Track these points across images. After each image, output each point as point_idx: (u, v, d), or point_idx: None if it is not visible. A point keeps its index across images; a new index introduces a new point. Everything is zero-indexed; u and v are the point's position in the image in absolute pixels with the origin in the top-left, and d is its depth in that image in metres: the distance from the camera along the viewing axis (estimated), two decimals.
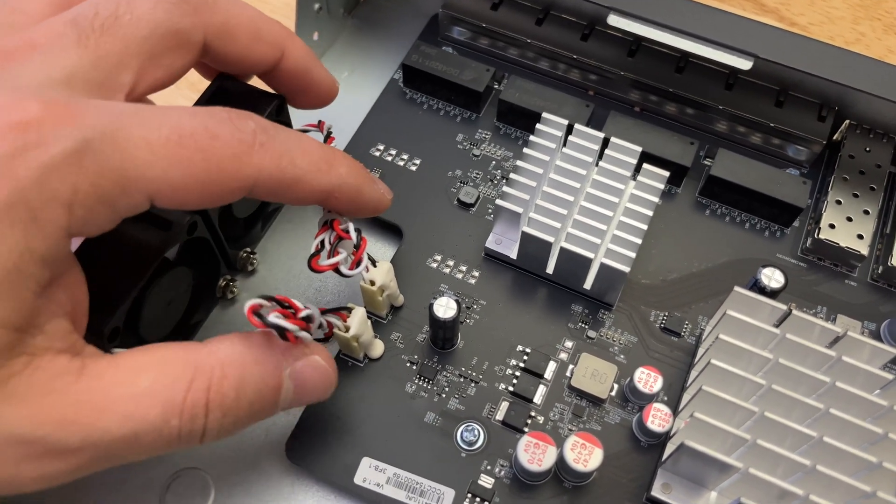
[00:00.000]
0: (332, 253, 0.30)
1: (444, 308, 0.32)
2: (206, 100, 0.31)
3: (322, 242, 0.31)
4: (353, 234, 0.30)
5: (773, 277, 0.33)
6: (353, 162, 0.28)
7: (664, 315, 0.35)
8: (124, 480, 0.32)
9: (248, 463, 0.33)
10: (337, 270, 0.30)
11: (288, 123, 0.34)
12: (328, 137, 0.36)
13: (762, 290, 0.33)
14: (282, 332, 0.25)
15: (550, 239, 0.33)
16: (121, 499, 0.32)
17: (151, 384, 0.22)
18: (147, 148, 0.21)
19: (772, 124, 0.38)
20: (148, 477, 0.32)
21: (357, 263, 0.30)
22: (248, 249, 0.37)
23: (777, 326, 0.31)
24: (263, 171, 0.24)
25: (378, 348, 0.34)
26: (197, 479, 0.32)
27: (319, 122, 0.37)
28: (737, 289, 0.31)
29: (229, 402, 0.23)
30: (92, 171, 0.20)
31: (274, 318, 0.24)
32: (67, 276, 0.22)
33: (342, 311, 0.31)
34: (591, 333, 0.35)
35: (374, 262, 0.32)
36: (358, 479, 0.31)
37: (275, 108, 0.32)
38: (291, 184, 0.25)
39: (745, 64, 0.37)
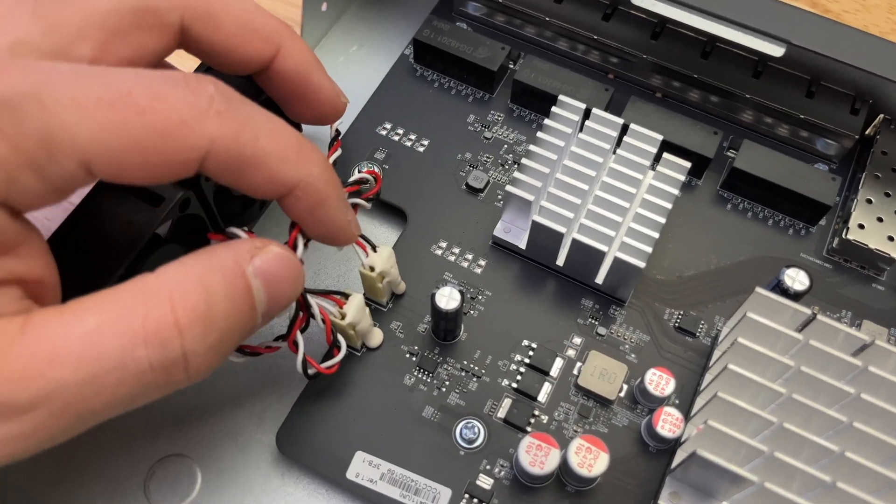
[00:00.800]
0: None
1: (447, 299, 0.30)
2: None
3: None
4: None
5: (796, 279, 0.31)
6: (329, 168, 0.25)
7: (679, 314, 0.33)
8: (105, 466, 0.31)
9: (238, 452, 0.31)
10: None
11: None
12: (335, 141, 0.34)
13: (785, 292, 0.31)
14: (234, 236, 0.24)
15: (562, 229, 0.31)
16: (102, 486, 0.30)
17: (101, 319, 0.19)
18: (76, 108, 0.19)
19: (801, 116, 0.36)
20: (131, 462, 0.31)
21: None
22: (245, 228, 0.35)
23: (799, 331, 0.30)
24: (217, 142, 0.21)
25: (376, 337, 0.32)
26: (183, 467, 0.31)
27: None
28: (758, 290, 0.30)
29: (201, 314, 0.21)
30: (11, 133, 0.19)
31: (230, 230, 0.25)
32: (19, 246, 0.20)
33: (338, 296, 0.30)
34: (601, 330, 0.33)
35: (374, 247, 0.31)
36: (350, 474, 0.30)
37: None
38: (250, 165, 0.22)
39: (776, 50, 0.35)
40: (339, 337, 0.30)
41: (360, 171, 0.35)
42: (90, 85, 0.19)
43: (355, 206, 0.32)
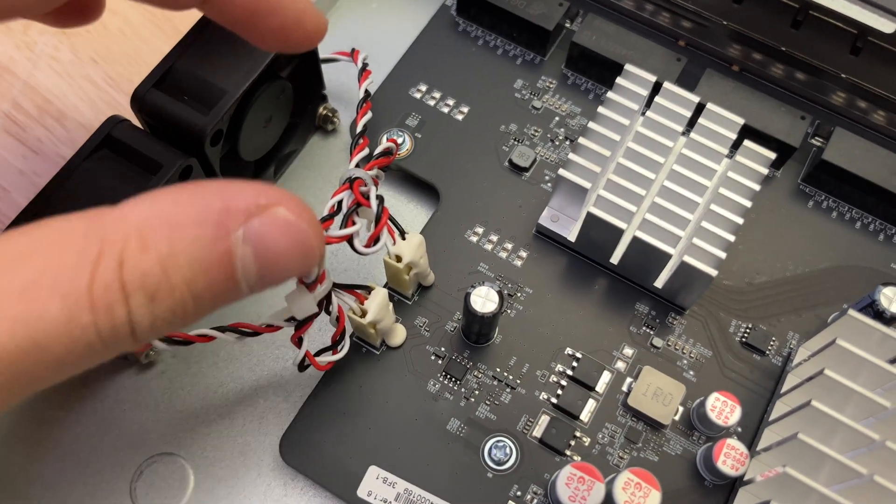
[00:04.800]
0: (347, 222, 0.25)
1: (484, 300, 0.26)
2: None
3: (339, 204, 0.25)
4: (374, 203, 0.25)
5: (895, 300, 0.27)
6: None
7: (746, 327, 0.29)
8: (89, 463, 0.27)
9: (236, 455, 0.28)
10: (350, 244, 0.25)
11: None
12: (364, 70, 0.30)
13: (879, 315, 0.27)
14: None
15: (622, 225, 0.27)
16: (87, 484, 0.27)
17: (41, 272, 0.16)
18: None
19: None
20: (118, 460, 0.27)
21: (374, 240, 0.25)
22: None
23: (894, 363, 0.25)
24: None
25: (399, 335, 0.28)
26: (174, 467, 0.28)
27: (353, 50, 0.31)
28: (851, 312, 0.25)
29: (154, 281, 0.17)
30: None
31: None
32: None
33: (360, 290, 0.26)
34: (657, 341, 0.29)
35: (402, 234, 0.26)
36: (362, 492, 0.26)
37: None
38: None
39: (886, 25, 0.29)
40: (346, 339, 0.26)
41: (387, 140, 0.31)
42: None
43: (375, 180, 0.27)
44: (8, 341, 0.15)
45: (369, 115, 0.29)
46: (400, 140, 0.32)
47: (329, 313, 0.25)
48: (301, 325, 0.25)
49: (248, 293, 0.18)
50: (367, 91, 0.29)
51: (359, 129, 0.28)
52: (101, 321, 0.16)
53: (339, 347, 0.26)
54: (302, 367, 0.26)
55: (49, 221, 0.17)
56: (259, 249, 0.18)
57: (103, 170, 0.25)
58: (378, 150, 0.28)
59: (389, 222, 0.26)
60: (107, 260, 0.16)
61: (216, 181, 0.18)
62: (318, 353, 0.26)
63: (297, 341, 0.25)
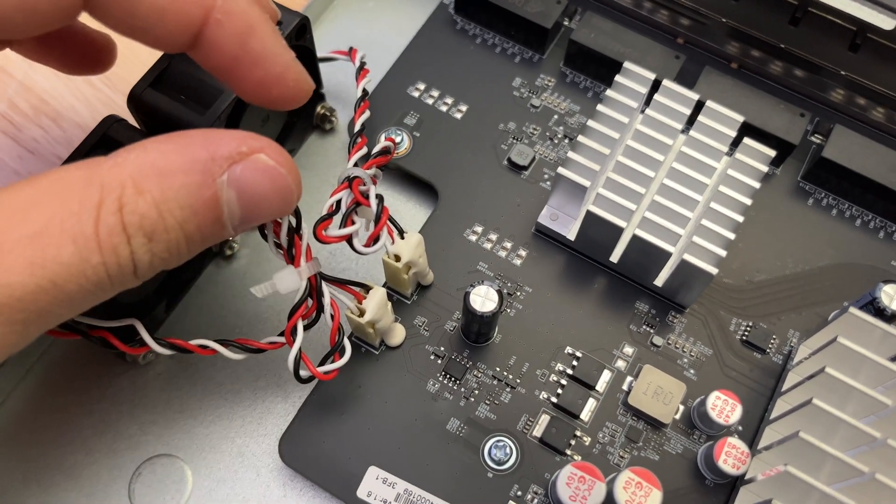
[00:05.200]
0: (346, 221, 0.24)
1: (483, 299, 0.26)
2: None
3: (337, 204, 0.25)
4: (374, 202, 0.24)
5: (895, 297, 0.26)
6: None
7: (747, 325, 0.29)
8: (87, 465, 0.27)
9: (235, 456, 0.28)
10: (350, 244, 0.25)
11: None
12: (361, 69, 0.30)
13: (880, 312, 0.26)
14: None
15: (622, 223, 0.27)
16: (85, 486, 0.27)
17: (51, 217, 0.17)
18: None
19: None
20: (116, 462, 0.27)
21: (374, 240, 0.24)
22: None
23: (895, 361, 0.25)
24: None
25: (398, 335, 0.28)
26: (173, 468, 0.27)
27: (351, 48, 0.31)
28: (852, 310, 0.25)
29: (151, 223, 0.18)
30: None
31: None
32: None
33: (358, 288, 0.26)
34: (657, 340, 0.29)
35: (401, 233, 0.26)
36: (362, 493, 0.26)
37: None
38: None
39: (886, 22, 0.29)
40: (346, 342, 0.25)
41: (385, 139, 0.31)
42: None
43: (374, 179, 0.27)
44: (28, 281, 0.17)
45: (367, 113, 0.29)
46: (398, 139, 0.32)
47: (323, 310, 0.25)
48: (291, 313, 0.24)
49: (232, 233, 0.20)
50: (364, 90, 0.29)
51: (357, 127, 0.28)
52: (108, 261, 0.18)
53: (339, 351, 0.25)
54: (301, 378, 0.25)
55: (49, 172, 0.18)
56: (242, 193, 0.20)
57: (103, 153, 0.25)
58: (376, 149, 0.28)
59: (388, 222, 0.26)
60: (107, 204, 0.18)
61: (201, 130, 0.20)
62: (321, 364, 0.25)
63: (291, 336, 0.24)
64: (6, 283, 0.17)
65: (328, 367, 0.25)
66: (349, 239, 0.25)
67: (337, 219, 0.25)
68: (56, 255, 0.17)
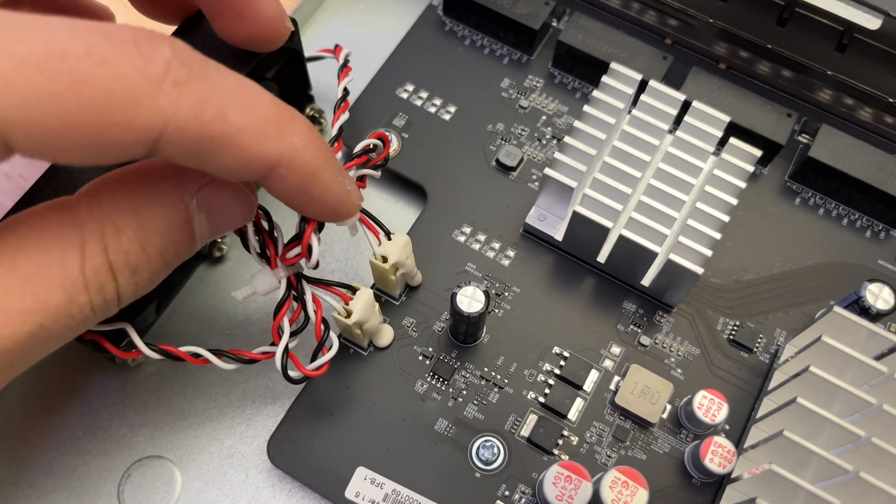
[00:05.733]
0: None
1: (470, 300, 0.26)
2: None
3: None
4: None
5: (880, 296, 0.27)
6: (315, 135, 0.20)
7: (734, 324, 0.29)
8: (77, 466, 0.27)
9: (224, 457, 0.28)
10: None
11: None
12: (344, 67, 0.30)
13: (865, 311, 0.27)
14: None
15: (608, 224, 0.27)
16: (74, 488, 0.27)
17: (37, 265, 0.18)
18: None
19: (890, 100, 0.31)
20: (105, 464, 0.27)
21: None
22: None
23: (880, 359, 0.25)
24: (175, 121, 0.17)
25: (386, 336, 0.28)
26: (162, 470, 0.28)
27: (336, 46, 0.31)
28: (837, 309, 0.25)
29: (135, 258, 0.20)
30: None
31: None
32: None
33: (344, 289, 0.26)
34: (644, 339, 0.29)
35: (388, 234, 0.26)
36: (350, 493, 0.26)
37: None
38: (217, 145, 0.18)
39: (871, 22, 0.30)
40: (333, 335, 0.25)
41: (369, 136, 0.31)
42: (17, 42, 0.15)
43: (363, 178, 0.27)
44: (19, 330, 0.18)
45: (346, 115, 0.28)
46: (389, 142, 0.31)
47: (305, 305, 0.25)
48: (276, 312, 0.24)
49: (201, 246, 0.22)
50: (345, 89, 0.29)
51: (334, 131, 0.27)
52: (94, 299, 0.19)
53: (328, 346, 0.26)
54: (290, 378, 0.25)
55: (24, 217, 0.19)
56: (211, 213, 0.21)
57: (89, 171, 0.25)
58: (358, 149, 0.27)
59: (374, 223, 0.26)
60: (91, 246, 0.19)
61: (160, 161, 0.20)
62: (312, 360, 0.25)
63: (277, 334, 0.25)
64: (2, 335, 0.17)
65: (317, 362, 0.25)
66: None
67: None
68: (45, 301, 0.18)
